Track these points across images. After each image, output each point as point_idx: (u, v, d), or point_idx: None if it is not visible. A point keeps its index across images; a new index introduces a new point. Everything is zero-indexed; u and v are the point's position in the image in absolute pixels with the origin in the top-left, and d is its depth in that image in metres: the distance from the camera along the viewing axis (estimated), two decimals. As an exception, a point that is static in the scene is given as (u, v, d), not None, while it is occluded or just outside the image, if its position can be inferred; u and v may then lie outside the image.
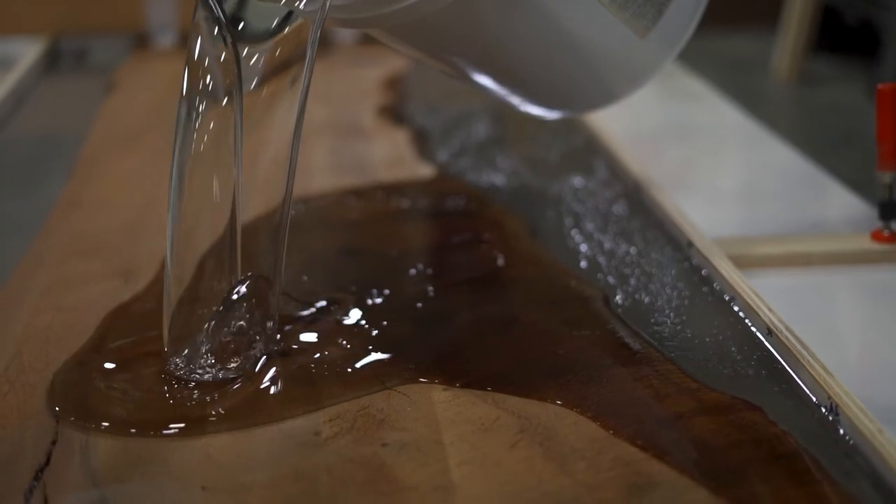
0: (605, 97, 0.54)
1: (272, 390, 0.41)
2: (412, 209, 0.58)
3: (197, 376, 0.41)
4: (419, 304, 0.47)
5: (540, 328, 0.46)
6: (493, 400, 0.40)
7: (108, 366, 0.42)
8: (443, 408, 0.40)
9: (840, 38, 1.28)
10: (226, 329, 0.42)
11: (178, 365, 0.41)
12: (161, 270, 0.49)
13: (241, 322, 0.42)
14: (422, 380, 0.41)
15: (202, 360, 0.41)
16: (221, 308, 0.42)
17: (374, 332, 0.45)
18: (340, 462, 0.37)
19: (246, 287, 0.42)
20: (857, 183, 0.63)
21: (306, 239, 0.53)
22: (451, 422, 0.39)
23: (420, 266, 0.51)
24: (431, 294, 0.48)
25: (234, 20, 0.40)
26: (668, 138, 0.71)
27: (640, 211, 0.58)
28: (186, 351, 0.41)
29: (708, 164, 0.69)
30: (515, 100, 0.54)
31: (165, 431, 0.38)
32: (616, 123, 0.69)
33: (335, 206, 0.58)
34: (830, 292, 0.51)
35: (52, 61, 0.89)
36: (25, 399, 0.40)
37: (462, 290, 0.49)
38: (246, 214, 0.42)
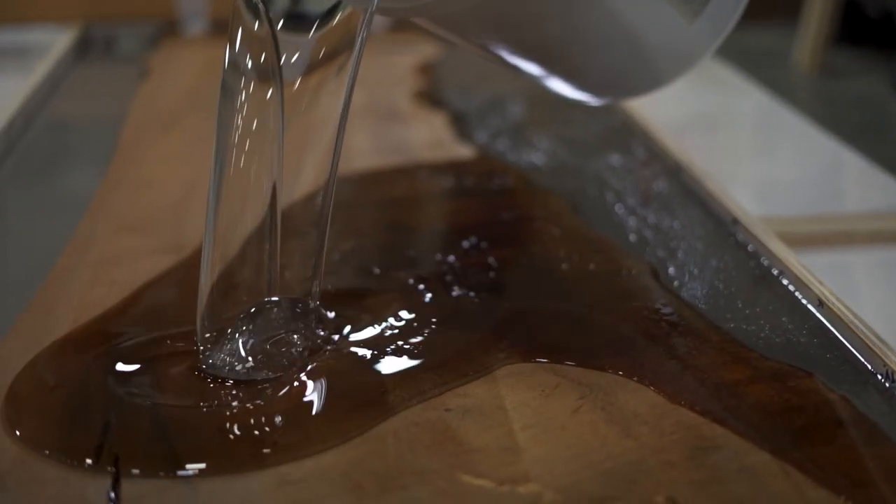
0: (651, 83, 0.54)
1: (321, 397, 0.39)
2: (456, 188, 0.59)
3: (235, 373, 0.39)
4: (470, 279, 0.48)
5: (592, 301, 0.46)
6: (551, 368, 0.41)
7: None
8: (502, 374, 0.40)
9: (861, 30, 1.28)
10: (267, 323, 0.41)
11: (212, 362, 0.39)
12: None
13: (283, 314, 0.41)
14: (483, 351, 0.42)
15: (240, 358, 0.40)
16: (261, 302, 0.41)
17: (429, 307, 0.45)
18: (406, 426, 0.37)
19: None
20: (889, 168, 0.64)
21: (352, 216, 0.54)
22: (511, 388, 0.39)
23: (472, 241, 0.51)
24: (481, 269, 0.49)
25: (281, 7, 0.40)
26: (700, 124, 0.72)
27: (681, 189, 0.59)
28: (223, 348, 0.40)
29: (742, 148, 0.69)
30: (557, 84, 0.54)
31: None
32: (648, 109, 0.69)
33: (379, 185, 0.58)
34: (873, 269, 0.52)
35: (82, 49, 0.89)
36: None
37: (512, 265, 0.49)
38: (291, 197, 0.42)
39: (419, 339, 0.42)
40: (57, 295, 0.46)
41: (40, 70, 0.77)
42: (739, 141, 0.71)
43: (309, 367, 0.40)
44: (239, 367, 0.39)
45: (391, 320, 0.44)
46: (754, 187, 0.61)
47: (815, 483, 0.34)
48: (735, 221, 0.53)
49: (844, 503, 0.34)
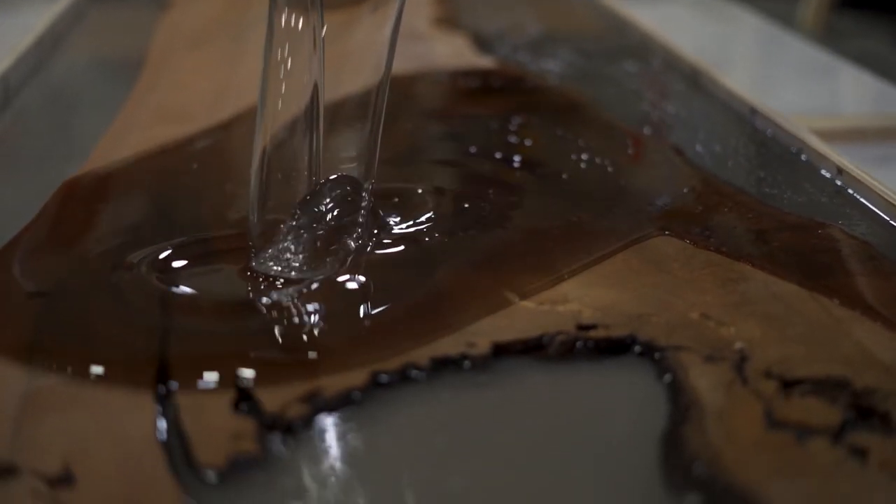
0: None
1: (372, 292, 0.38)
2: (482, 88, 0.60)
3: (285, 272, 0.38)
4: (511, 161, 0.49)
5: (624, 173, 0.48)
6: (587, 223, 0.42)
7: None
8: (543, 230, 0.42)
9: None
10: (317, 220, 0.39)
11: (263, 261, 0.38)
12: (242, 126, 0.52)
13: (332, 213, 0.39)
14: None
15: (289, 256, 0.38)
16: (308, 199, 0.39)
17: (478, 192, 0.46)
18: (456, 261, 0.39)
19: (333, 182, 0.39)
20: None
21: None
22: (550, 241, 0.41)
23: (514, 124, 0.53)
24: (522, 152, 0.50)
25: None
26: (709, 50, 0.74)
27: (699, 88, 0.60)
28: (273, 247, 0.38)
29: (751, 68, 0.71)
30: None
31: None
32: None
33: (405, 86, 0.60)
34: (886, 160, 0.53)
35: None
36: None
37: (550, 148, 0.51)
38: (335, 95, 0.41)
39: (473, 225, 0.43)
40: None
41: (59, 6, 0.78)
42: (748, 61, 0.73)
43: (360, 264, 0.39)
44: (290, 266, 0.38)
45: (440, 209, 0.44)
46: (767, 98, 0.63)
47: (841, 305, 0.36)
48: (753, 111, 0.54)
49: (869, 321, 0.35)
